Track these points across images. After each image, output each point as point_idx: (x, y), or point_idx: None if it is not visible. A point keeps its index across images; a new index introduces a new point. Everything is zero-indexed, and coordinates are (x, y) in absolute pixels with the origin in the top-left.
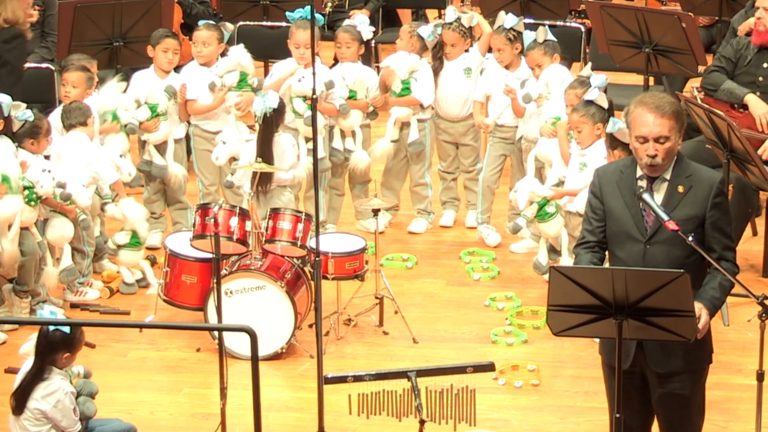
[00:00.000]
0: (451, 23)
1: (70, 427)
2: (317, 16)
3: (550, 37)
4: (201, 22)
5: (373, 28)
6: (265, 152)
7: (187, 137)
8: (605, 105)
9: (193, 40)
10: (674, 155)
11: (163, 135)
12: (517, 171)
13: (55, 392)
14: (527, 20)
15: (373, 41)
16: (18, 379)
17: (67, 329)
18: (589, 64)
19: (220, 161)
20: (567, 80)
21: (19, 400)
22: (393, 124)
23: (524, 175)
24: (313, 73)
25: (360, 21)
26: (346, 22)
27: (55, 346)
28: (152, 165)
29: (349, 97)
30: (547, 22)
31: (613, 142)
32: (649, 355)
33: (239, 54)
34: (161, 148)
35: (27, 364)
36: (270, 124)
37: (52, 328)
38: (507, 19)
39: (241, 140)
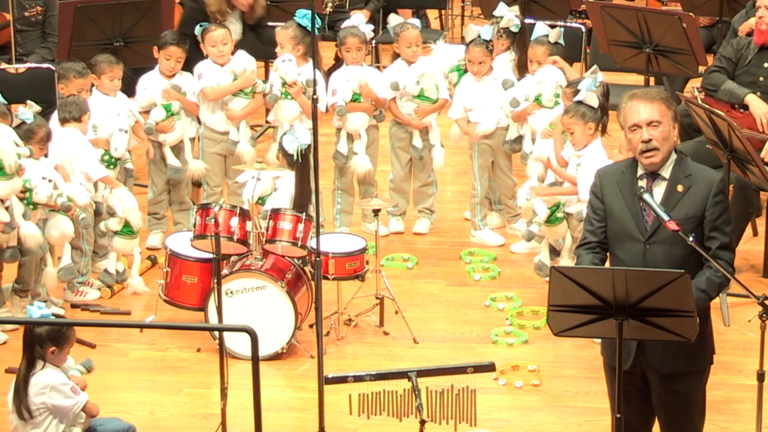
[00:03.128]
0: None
1: (71, 407)
2: (304, 21)
3: (561, 41)
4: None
5: (372, 26)
6: (303, 193)
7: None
8: (595, 104)
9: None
10: (671, 145)
11: (179, 135)
12: (505, 172)
13: (46, 385)
14: (527, 20)
15: (373, 41)
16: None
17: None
18: (595, 66)
19: (253, 199)
20: (561, 82)
21: (18, 401)
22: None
23: (510, 176)
24: (314, 76)
25: (359, 21)
26: (347, 23)
27: (41, 341)
28: (168, 167)
29: (353, 100)
30: (547, 22)
31: (585, 115)
32: (650, 356)
33: (235, 61)
34: (176, 148)
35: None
36: (306, 162)
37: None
38: (483, 31)
39: (273, 177)
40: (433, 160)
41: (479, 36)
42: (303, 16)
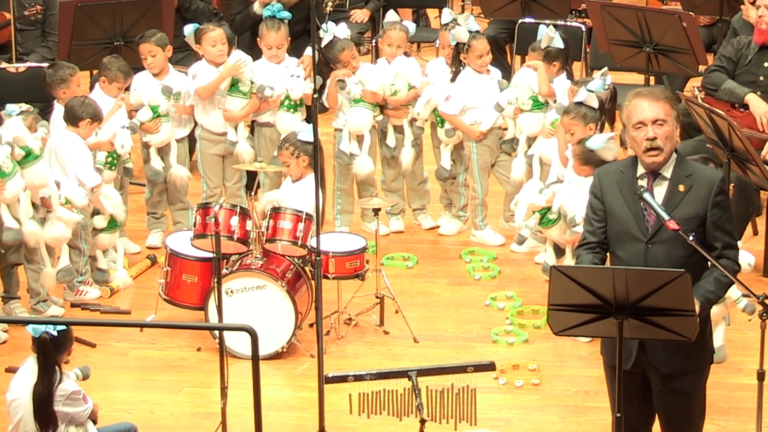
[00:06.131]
0: (448, 23)
1: (84, 413)
2: (285, 13)
3: (556, 45)
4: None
5: (345, 25)
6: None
7: (192, 139)
8: (595, 105)
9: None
10: (674, 144)
11: (166, 137)
12: (504, 172)
13: (63, 393)
14: (528, 20)
15: (373, 41)
16: (17, 389)
17: (60, 327)
18: (605, 68)
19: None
20: (533, 87)
21: (44, 415)
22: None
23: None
24: (314, 78)
25: (334, 29)
26: (324, 42)
27: (59, 347)
28: (148, 167)
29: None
30: (547, 22)
31: (587, 159)
32: (652, 356)
33: (232, 60)
34: (163, 150)
35: (26, 367)
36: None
37: (46, 330)
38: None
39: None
40: (402, 161)
41: (472, 31)
42: (279, 9)
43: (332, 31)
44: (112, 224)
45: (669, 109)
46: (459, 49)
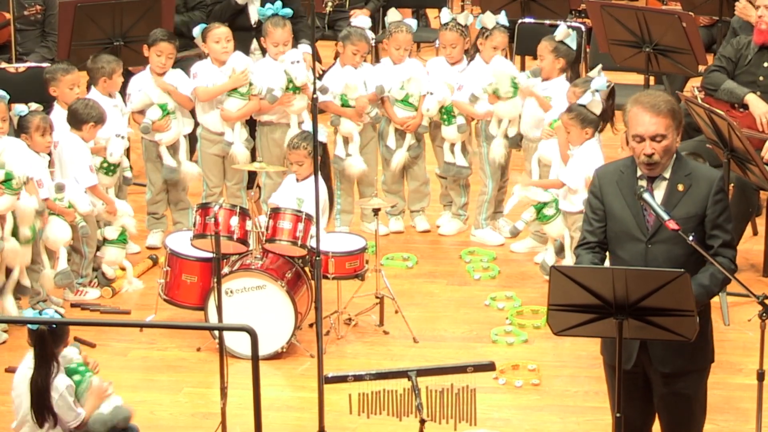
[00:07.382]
0: (447, 23)
1: (70, 420)
2: (287, 10)
3: (570, 43)
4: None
5: (371, 28)
6: (331, 189)
7: (193, 138)
8: (597, 110)
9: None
10: (672, 153)
11: (176, 134)
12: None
13: (57, 387)
14: (528, 20)
15: (373, 40)
16: (20, 383)
17: None
18: (599, 66)
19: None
20: (515, 74)
21: (41, 406)
22: (411, 135)
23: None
24: (314, 76)
25: (365, 23)
26: (356, 22)
27: (60, 336)
28: (164, 167)
29: (342, 104)
30: (547, 22)
31: (584, 118)
32: (653, 356)
33: (233, 61)
34: (172, 148)
35: (26, 361)
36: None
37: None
38: (461, 16)
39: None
40: (392, 162)
41: (500, 23)
42: (278, 8)
43: (365, 22)
44: (122, 237)
45: (669, 122)
46: (480, 34)
